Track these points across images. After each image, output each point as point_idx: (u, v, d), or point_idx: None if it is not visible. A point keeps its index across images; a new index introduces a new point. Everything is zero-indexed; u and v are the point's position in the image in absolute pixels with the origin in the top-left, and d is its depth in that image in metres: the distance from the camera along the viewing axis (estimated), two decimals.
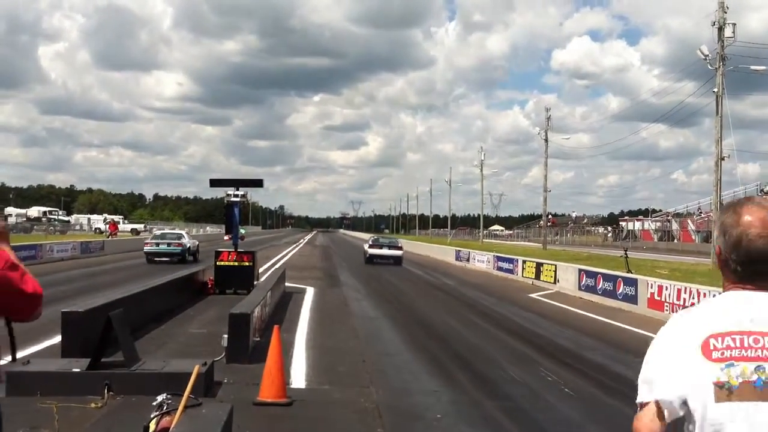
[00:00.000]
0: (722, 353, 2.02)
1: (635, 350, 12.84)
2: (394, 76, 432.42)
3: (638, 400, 2.13)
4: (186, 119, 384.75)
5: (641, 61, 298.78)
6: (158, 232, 39.76)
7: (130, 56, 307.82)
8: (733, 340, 2.04)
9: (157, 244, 34.03)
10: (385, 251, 40.47)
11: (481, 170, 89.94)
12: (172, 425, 4.76)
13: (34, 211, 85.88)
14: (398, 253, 40.51)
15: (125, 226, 79.83)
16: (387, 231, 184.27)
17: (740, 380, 1.99)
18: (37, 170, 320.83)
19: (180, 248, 33.57)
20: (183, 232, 39.96)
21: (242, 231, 36.43)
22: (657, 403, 2.06)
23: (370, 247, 40.93)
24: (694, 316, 2.18)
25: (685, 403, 2.03)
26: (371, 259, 39.36)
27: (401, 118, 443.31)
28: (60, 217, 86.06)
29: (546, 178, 67.79)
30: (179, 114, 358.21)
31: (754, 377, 1.98)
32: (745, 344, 2.02)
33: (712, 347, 2.04)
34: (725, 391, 1.99)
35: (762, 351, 2.01)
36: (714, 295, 3.81)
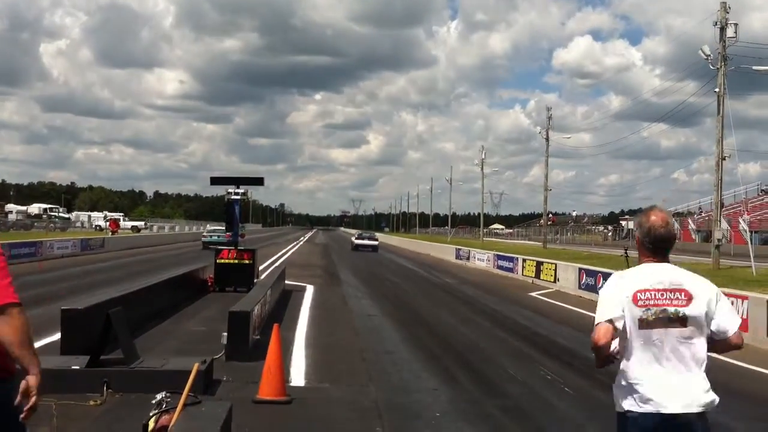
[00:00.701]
0: (644, 302, 3.65)
1: None
2: (395, 74, 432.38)
3: (596, 322, 3.64)
4: (187, 117, 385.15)
5: (643, 60, 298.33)
6: (210, 228, 61.43)
7: (131, 54, 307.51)
8: (650, 294, 3.66)
9: (210, 236, 50.75)
10: (366, 242, 58.59)
11: (482, 169, 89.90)
12: (171, 423, 4.75)
13: (35, 208, 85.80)
14: (375, 242, 58.90)
15: (126, 224, 79.85)
16: (387, 230, 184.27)
17: (653, 317, 3.64)
18: (38, 167, 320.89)
19: (224, 238, 38.79)
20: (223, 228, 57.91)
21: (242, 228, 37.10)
22: (610, 320, 3.60)
23: (356, 239, 60.62)
24: (627, 278, 3.76)
25: (624, 324, 3.63)
26: (357, 247, 56.48)
27: (402, 117, 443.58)
28: (60, 215, 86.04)
29: (547, 176, 67.78)
30: (180, 112, 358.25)
31: (668, 312, 3.63)
32: (656, 297, 3.66)
33: (638, 298, 3.66)
34: (645, 322, 3.65)
35: (665, 300, 3.65)
36: None
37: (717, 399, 3.73)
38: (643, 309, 3.64)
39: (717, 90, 35.30)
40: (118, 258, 35.24)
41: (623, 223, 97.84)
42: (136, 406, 4.68)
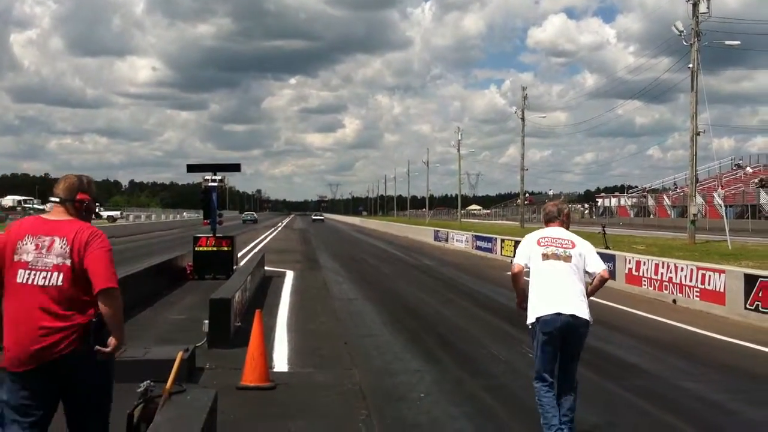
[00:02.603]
0: (544, 244, 6.00)
1: (615, 326, 12.95)
2: (370, 57, 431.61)
3: (514, 261, 6.15)
4: (161, 104, 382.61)
5: (617, 38, 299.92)
6: (247, 212, 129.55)
7: (103, 42, 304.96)
8: (548, 240, 6.03)
9: (247, 216, 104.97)
10: (318, 217, 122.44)
11: (458, 150, 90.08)
12: (157, 412, 4.73)
13: (9, 201, 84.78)
14: (322, 218, 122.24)
15: (102, 213, 79.17)
16: (365, 213, 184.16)
17: (550, 252, 5.94)
18: (10, 159, 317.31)
19: (255, 217, 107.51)
20: (253, 213, 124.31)
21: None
22: (524, 264, 6.05)
23: (313, 217, 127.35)
24: (535, 233, 6.22)
25: (529, 262, 6.01)
26: (314, 221, 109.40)
27: (378, 100, 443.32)
28: (35, 206, 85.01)
29: (523, 156, 68.14)
30: (154, 99, 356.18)
31: (558, 252, 5.94)
32: (552, 242, 6.01)
33: (540, 242, 6.03)
34: (546, 256, 5.93)
35: (557, 244, 5.99)
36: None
37: (588, 311, 5.87)
38: (544, 247, 6.00)
39: (690, 66, 35.52)
40: None
41: (599, 201, 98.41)
42: (120, 395, 4.67)
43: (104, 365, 4.27)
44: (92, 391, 4.30)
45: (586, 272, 5.96)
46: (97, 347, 4.13)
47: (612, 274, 18.97)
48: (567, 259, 5.87)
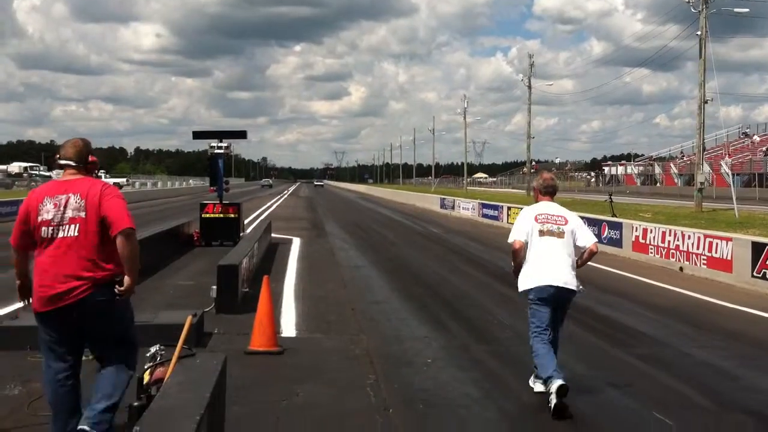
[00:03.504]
0: (541, 220, 6.56)
1: (621, 293, 12.98)
2: (375, 24, 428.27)
3: (514, 235, 6.64)
4: (166, 71, 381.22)
5: (625, 5, 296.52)
6: (264, 179, 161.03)
7: (107, 7, 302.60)
8: (544, 216, 6.59)
9: (264, 182, 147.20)
10: (320, 183, 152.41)
11: (464, 118, 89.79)
12: (167, 376, 4.76)
13: (15, 167, 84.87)
14: (322, 184, 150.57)
15: (107, 181, 79.12)
16: (371, 181, 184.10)
17: (547, 229, 6.53)
18: (16, 126, 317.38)
19: (271, 183, 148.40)
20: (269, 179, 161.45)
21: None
22: (524, 240, 6.56)
23: (315, 182, 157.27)
24: (531, 208, 6.76)
25: (528, 237, 6.52)
26: (315, 186, 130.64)
27: (384, 67, 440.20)
28: (41, 173, 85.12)
29: (529, 124, 67.85)
30: (159, 66, 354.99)
31: (553, 228, 6.53)
32: (548, 218, 6.58)
33: (538, 218, 6.58)
34: (543, 233, 6.52)
35: (552, 220, 6.57)
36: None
37: (575, 281, 6.59)
38: (541, 224, 6.57)
39: (699, 33, 35.19)
40: None
41: (606, 169, 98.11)
42: None
43: (120, 311, 4.85)
44: (110, 334, 4.85)
45: (577, 245, 6.63)
46: (116, 288, 4.74)
47: (619, 243, 18.99)
48: (561, 235, 6.54)
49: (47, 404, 5.21)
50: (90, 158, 5.00)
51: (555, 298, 6.51)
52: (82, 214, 4.72)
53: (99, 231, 4.71)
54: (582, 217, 22.52)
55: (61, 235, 4.72)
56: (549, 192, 6.85)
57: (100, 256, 4.72)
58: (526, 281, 6.57)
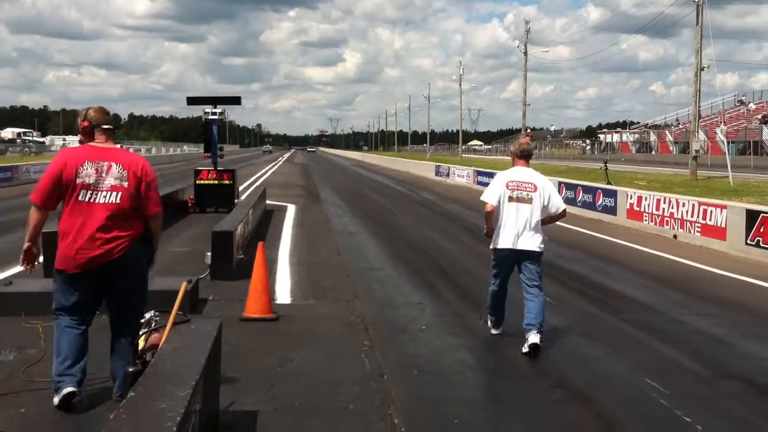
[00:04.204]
0: (511, 188, 7.18)
1: (615, 260, 13.01)
2: None
3: (486, 199, 7.30)
4: (159, 37, 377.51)
5: None
6: (265, 146, 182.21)
7: None
8: (515, 184, 7.21)
9: (266, 148, 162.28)
10: (312, 149, 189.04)
11: (460, 85, 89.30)
12: (162, 341, 4.76)
13: (8, 133, 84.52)
14: (314, 150, 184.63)
15: None
16: (366, 148, 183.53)
17: (516, 196, 7.16)
18: (9, 91, 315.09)
19: (271, 149, 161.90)
20: (269, 146, 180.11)
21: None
22: (495, 204, 7.20)
23: (308, 149, 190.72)
24: (504, 174, 7.39)
25: (498, 202, 7.17)
26: (309, 152, 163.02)
27: (379, 33, 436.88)
28: (35, 139, 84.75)
29: (525, 91, 67.60)
30: (152, 32, 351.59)
31: (522, 195, 7.15)
32: (518, 185, 7.20)
33: (509, 185, 7.20)
34: (511, 198, 7.15)
35: (521, 187, 7.18)
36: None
37: (538, 242, 7.17)
38: (511, 191, 7.17)
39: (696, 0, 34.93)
40: None
41: (601, 136, 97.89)
42: None
43: (143, 270, 5.33)
44: (131, 291, 5.22)
45: (547, 210, 7.31)
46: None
47: (613, 210, 19.02)
48: (528, 201, 7.15)
49: (41, 369, 5.24)
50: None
51: (512, 259, 7.26)
52: (125, 184, 5.06)
53: (137, 201, 5.12)
54: (576, 185, 22.76)
55: (101, 201, 5.01)
56: (524, 156, 7.44)
57: (134, 222, 5.13)
58: (493, 241, 7.35)
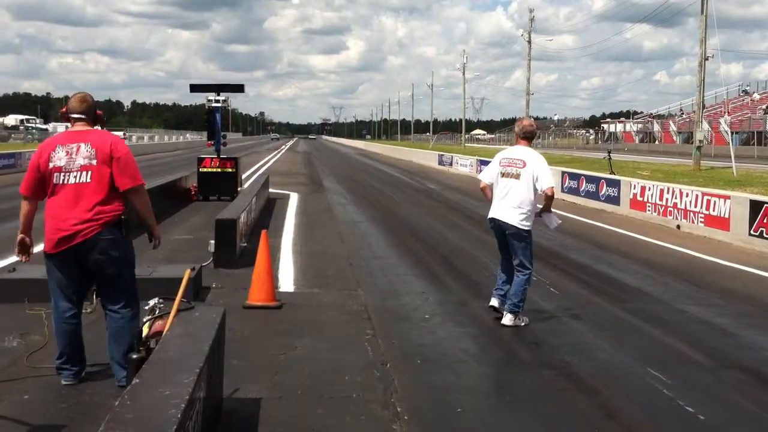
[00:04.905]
0: (504, 165, 7.71)
1: (618, 250, 13.00)
2: None
3: (481, 179, 7.97)
4: (162, 24, 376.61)
5: None
6: (273, 134, 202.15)
7: None
8: (507, 161, 7.70)
9: (273, 136, 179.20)
10: (312, 137, 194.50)
11: (464, 74, 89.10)
12: (166, 328, 4.76)
13: (11, 120, 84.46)
14: (314, 138, 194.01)
15: None
16: (369, 137, 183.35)
17: (506, 172, 7.64)
18: (12, 77, 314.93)
19: (279, 137, 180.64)
20: (277, 134, 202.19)
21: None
22: (489, 182, 7.83)
23: (310, 136, 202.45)
24: (501, 153, 7.93)
25: (493, 179, 7.73)
26: (310, 139, 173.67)
27: (383, 21, 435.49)
28: (38, 125, 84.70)
29: (528, 81, 67.45)
30: (155, 18, 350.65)
31: (511, 171, 7.66)
32: (510, 162, 7.64)
33: (502, 162, 7.73)
34: (503, 175, 7.64)
35: (513, 163, 7.63)
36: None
37: (519, 218, 7.50)
38: (503, 168, 7.66)
39: None
40: None
41: (605, 126, 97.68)
42: None
43: (123, 250, 5.37)
44: (114, 272, 5.32)
45: (536, 186, 7.57)
46: (152, 241, 5.59)
47: (617, 200, 18.99)
48: (517, 177, 7.55)
49: (45, 356, 5.25)
50: (97, 112, 5.48)
51: (498, 231, 7.73)
52: (93, 162, 5.17)
53: (109, 179, 5.18)
54: (580, 175, 22.73)
55: (73, 181, 5.16)
56: (527, 137, 7.85)
57: (108, 200, 5.20)
58: (490, 213, 7.85)
